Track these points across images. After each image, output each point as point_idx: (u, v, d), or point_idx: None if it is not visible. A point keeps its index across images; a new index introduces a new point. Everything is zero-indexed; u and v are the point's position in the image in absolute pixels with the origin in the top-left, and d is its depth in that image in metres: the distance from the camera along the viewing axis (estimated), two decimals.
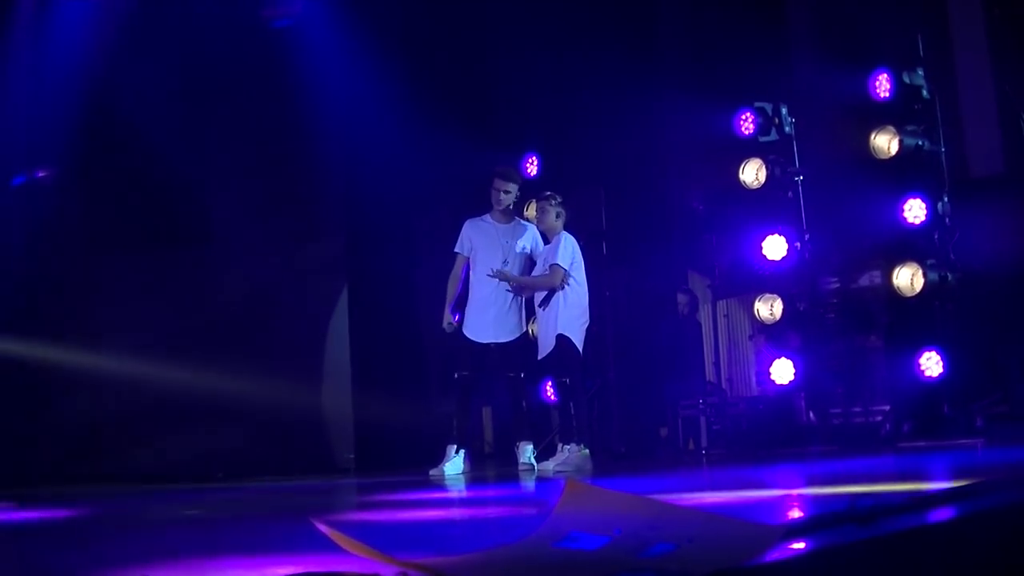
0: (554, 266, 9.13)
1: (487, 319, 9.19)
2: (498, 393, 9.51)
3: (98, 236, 11.55)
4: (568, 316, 9.13)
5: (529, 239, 9.35)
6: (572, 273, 9.18)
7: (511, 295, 9.20)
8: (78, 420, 10.84)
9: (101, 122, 11.02)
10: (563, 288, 9.11)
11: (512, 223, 9.39)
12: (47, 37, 10.98)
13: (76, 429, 10.84)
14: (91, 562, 4.36)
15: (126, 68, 11.01)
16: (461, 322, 9.24)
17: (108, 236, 11.49)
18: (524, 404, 9.28)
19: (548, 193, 9.46)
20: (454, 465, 8.99)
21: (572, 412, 9.24)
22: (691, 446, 10.87)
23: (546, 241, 9.43)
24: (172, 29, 11.08)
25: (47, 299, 11.16)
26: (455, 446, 9.07)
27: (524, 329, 9.35)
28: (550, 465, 8.96)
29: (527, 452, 9.15)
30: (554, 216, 9.31)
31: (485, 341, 9.20)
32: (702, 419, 10.86)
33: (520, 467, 9.07)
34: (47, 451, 10.76)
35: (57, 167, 11.40)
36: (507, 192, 9.27)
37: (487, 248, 9.27)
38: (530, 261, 9.34)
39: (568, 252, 9.21)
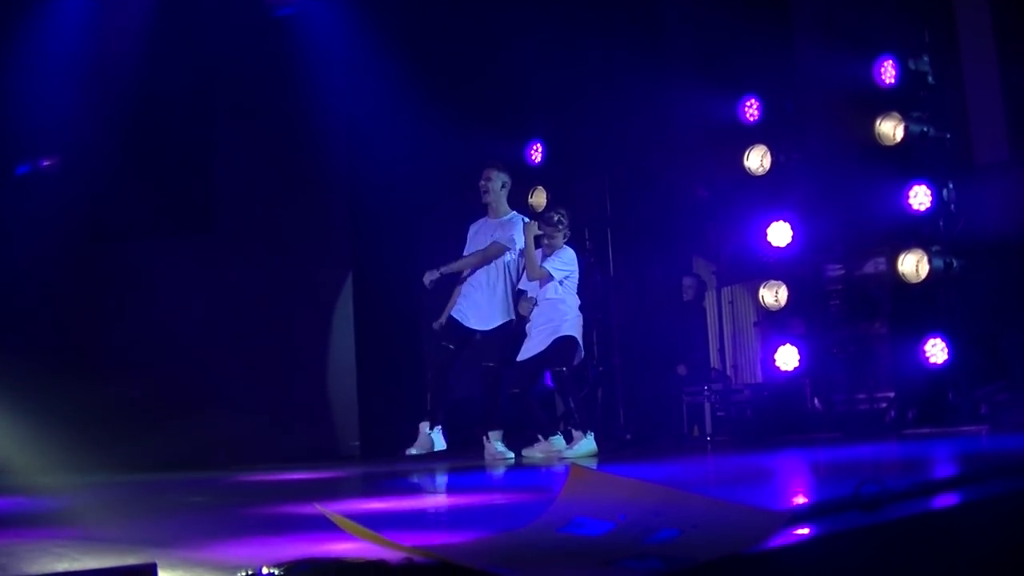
0: (542, 268, 9.06)
1: (469, 304, 9.16)
2: (473, 383, 9.40)
3: (102, 226, 11.54)
4: (576, 323, 9.10)
5: (515, 230, 9.25)
6: (568, 286, 9.13)
7: (499, 283, 9.17)
8: (82, 409, 10.83)
9: (105, 112, 11.02)
10: (554, 292, 9.05)
11: (499, 218, 9.35)
12: (51, 26, 10.97)
13: (80, 418, 10.82)
14: (98, 549, 4.37)
15: (131, 57, 11.00)
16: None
17: (112, 226, 11.48)
18: (497, 395, 9.15)
19: (556, 218, 9.21)
20: (437, 443, 8.89)
21: (571, 404, 9.17)
22: (695, 433, 10.88)
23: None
24: (177, 18, 11.07)
25: (51, 290, 11.14)
26: (429, 423, 8.92)
27: (508, 318, 9.20)
28: (536, 453, 8.93)
29: (499, 442, 9.04)
30: (562, 238, 9.20)
31: (468, 326, 9.15)
32: (707, 406, 10.86)
33: (494, 457, 8.93)
34: (52, 441, 10.75)
35: (61, 157, 11.39)
36: (486, 180, 9.31)
37: (476, 242, 9.34)
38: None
39: (565, 264, 9.13)
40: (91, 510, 6.68)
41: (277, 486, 7.99)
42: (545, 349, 9.02)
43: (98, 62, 11.05)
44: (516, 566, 2.90)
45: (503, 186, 9.36)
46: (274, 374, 10.85)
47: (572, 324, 9.09)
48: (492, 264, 9.21)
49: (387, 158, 10.57)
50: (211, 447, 10.47)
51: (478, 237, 9.34)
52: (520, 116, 11.73)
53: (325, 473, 8.88)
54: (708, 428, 10.76)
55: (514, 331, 9.28)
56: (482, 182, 9.36)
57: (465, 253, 9.34)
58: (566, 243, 9.26)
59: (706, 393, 10.89)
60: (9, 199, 10.97)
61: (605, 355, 11.49)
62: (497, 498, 6.49)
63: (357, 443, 10.82)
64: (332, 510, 3.63)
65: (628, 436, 10.97)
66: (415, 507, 6.05)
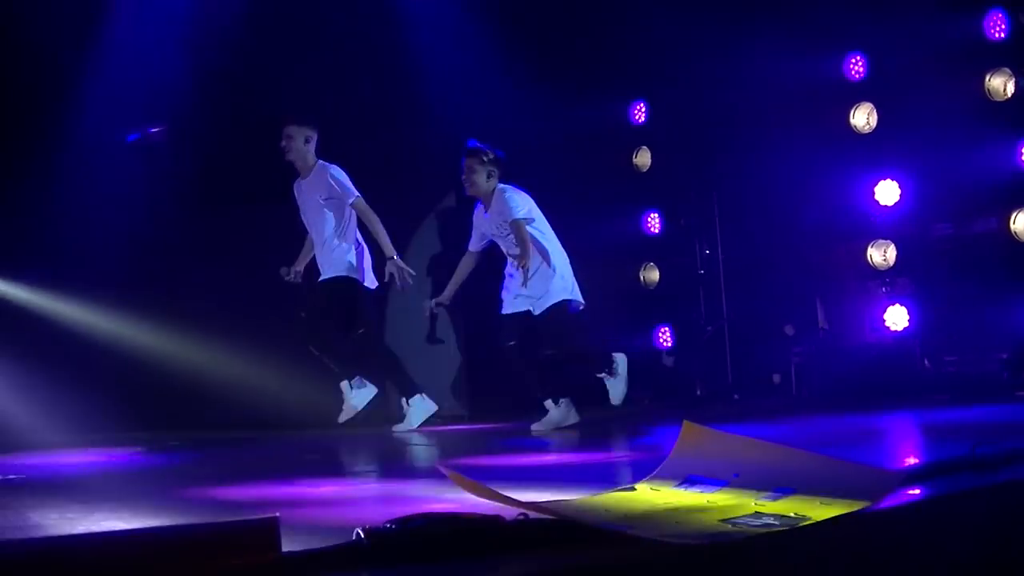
0: (515, 222, 8.08)
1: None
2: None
3: (208, 190, 11.51)
4: (570, 280, 8.36)
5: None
6: (539, 227, 8.29)
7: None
8: (178, 370, 10.75)
9: (197, 81, 11.03)
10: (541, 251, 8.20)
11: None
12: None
13: (177, 378, 10.72)
14: (220, 505, 4.50)
15: (236, 26, 11.04)
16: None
17: (217, 191, 11.47)
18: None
19: (477, 147, 8.38)
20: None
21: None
22: (804, 393, 10.80)
23: (480, 204, 8.59)
24: None
25: (159, 253, 11.17)
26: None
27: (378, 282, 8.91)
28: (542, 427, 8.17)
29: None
30: (485, 177, 8.30)
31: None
32: (815, 366, 10.77)
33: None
34: (156, 398, 10.74)
35: (169, 124, 11.49)
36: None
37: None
38: None
39: (522, 203, 8.22)
40: (209, 467, 6.86)
41: (386, 445, 8.09)
42: (542, 315, 8.29)
43: (204, 30, 11.14)
44: (631, 523, 2.93)
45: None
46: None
47: (572, 282, 8.35)
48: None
49: (486, 127, 10.36)
50: (314, 408, 10.33)
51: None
52: (624, 76, 11.66)
53: (428, 433, 8.87)
54: (816, 388, 10.67)
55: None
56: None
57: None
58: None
59: (815, 353, 10.80)
60: (123, 164, 11.12)
61: (713, 316, 11.46)
62: (607, 456, 6.55)
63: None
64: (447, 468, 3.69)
65: (736, 396, 10.94)
66: (526, 464, 6.12)
